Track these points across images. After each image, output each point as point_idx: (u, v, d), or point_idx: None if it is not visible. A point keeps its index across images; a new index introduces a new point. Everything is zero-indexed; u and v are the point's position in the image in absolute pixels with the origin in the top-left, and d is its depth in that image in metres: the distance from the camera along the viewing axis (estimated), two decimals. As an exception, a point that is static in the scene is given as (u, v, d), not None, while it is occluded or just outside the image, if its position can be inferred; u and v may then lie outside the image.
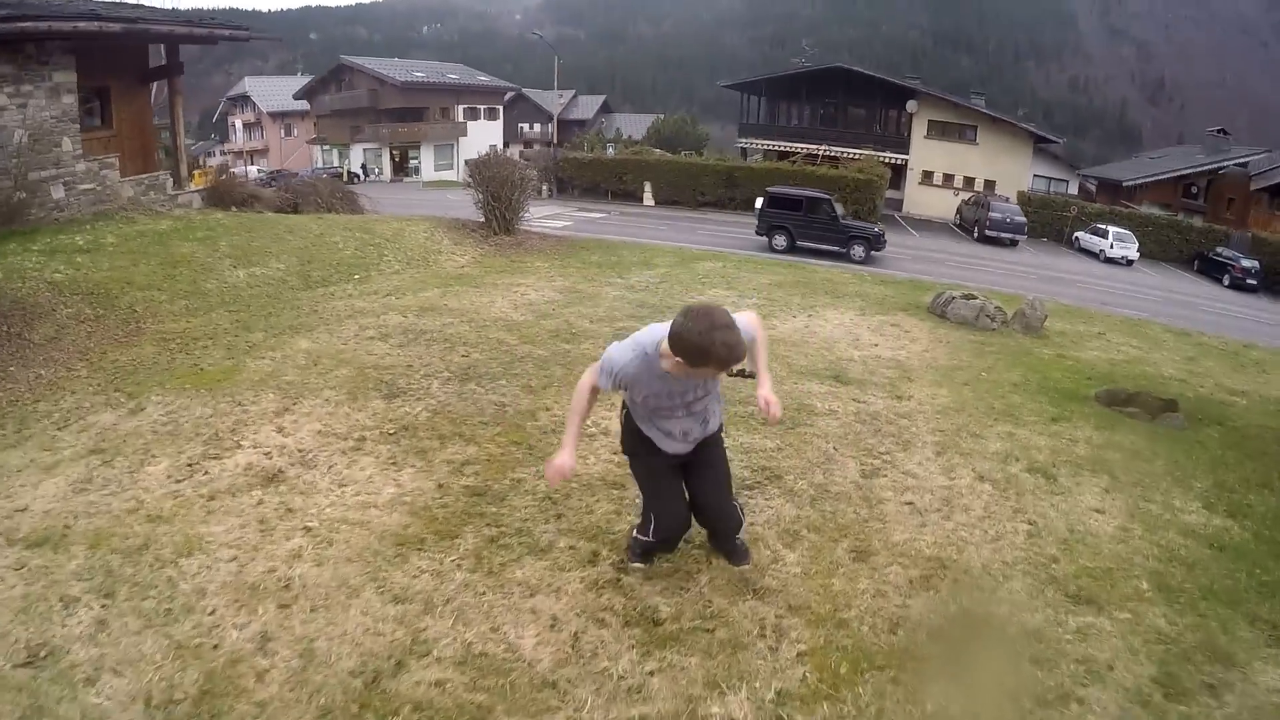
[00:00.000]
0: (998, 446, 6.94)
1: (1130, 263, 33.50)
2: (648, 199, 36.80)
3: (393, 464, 5.76)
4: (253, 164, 63.43)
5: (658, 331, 3.55)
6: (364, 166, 60.61)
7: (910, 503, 5.60)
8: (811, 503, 5.47)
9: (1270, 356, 15.68)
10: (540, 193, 40.14)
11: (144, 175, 16.68)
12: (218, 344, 8.68)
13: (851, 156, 37.68)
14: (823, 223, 24.98)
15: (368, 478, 5.55)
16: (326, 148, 63.67)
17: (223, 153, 76.77)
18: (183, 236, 13.21)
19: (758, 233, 25.67)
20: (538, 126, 78.37)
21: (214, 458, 5.73)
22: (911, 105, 41.45)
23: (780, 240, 24.98)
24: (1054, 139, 45.03)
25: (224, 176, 22.23)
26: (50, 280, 9.96)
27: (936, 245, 31.61)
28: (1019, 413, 8.24)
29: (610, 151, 45.04)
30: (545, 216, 27.14)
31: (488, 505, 5.16)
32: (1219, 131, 46.54)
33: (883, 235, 25.49)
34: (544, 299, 11.86)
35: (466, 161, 23.83)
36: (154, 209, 15.45)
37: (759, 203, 26.15)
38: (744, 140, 46.91)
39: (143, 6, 17.07)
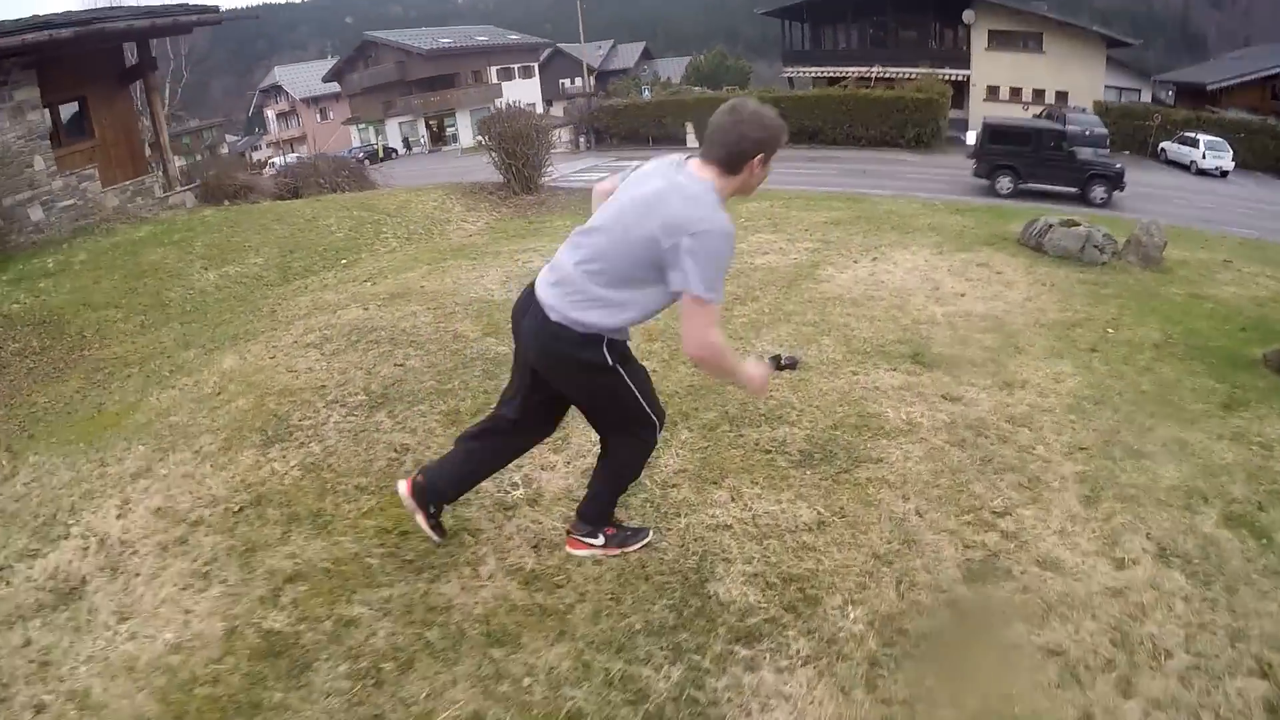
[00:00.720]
0: (1172, 475, 4.58)
1: (1225, 174, 30.37)
2: (691, 140, 34.32)
3: (203, 576, 3.73)
4: (293, 152, 62.52)
5: (694, 184, 2.69)
6: (405, 140, 59.56)
7: (1059, 652, 3.11)
8: (868, 682, 2.93)
9: None
10: (578, 145, 38.22)
11: (129, 182, 16.14)
12: (143, 371, 7.43)
13: (908, 77, 34.47)
14: (1056, 159, 21.50)
15: (160, 602, 3.57)
16: (362, 126, 62.88)
17: (266, 145, 76.56)
18: (158, 242, 12.51)
19: (976, 174, 22.39)
20: (579, 81, 75.96)
21: (31, 555, 4.10)
22: (968, 15, 37.72)
23: (1005, 182, 21.67)
24: (1128, 41, 41.02)
25: (212, 171, 20.79)
26: (5, 313, 9.41)
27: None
28: (1178, 397, 5.90)
29: (646, 94, 42.09)
30: (581, 170, 26.00)
31: (272, 689, 2.99)
32: None
33: (1124, 172, 21.88)
34: (548, 266, 9.76)
35: (479, 120, 21.99)
36: (141, 215, 15.17)
37: (971, 138, 23.35)
38: (789, 69, 43.72)
39: (100, 7, 17.04)
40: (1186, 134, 31.99)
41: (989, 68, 38.40)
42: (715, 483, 4.25)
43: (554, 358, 2.85)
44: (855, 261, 10.04)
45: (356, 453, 4.86)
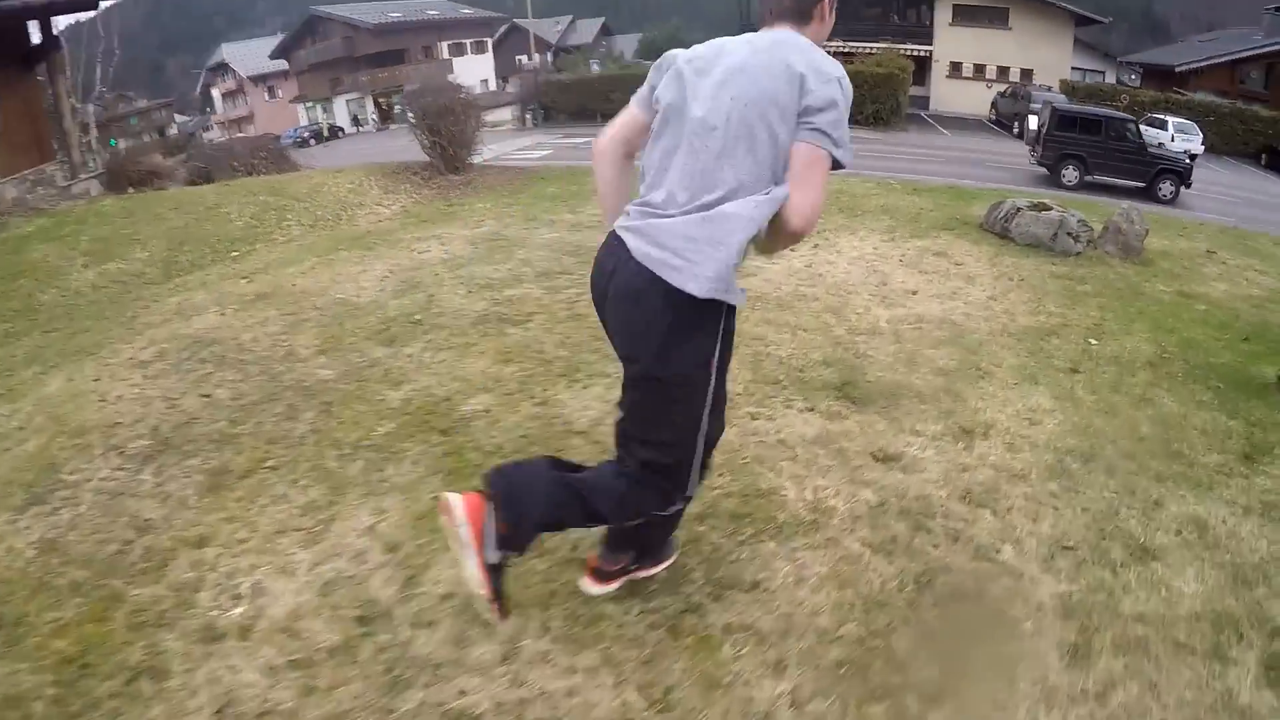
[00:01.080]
0: (1192, 589, 3.10)
1: (1194, 157, 28.99)
2: None
3: None
4: (239, 132, 60.04)
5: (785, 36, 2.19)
6: (354, 119, 57.51)
7: None
8: None
9: None
10: (524, 122, 36.43)
11: (29, 171, 14.86)
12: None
13: (868, 51, 32.76)
14: (1126, 150, 19.76)
15: None
16: (309, 105, 60.28)
17: (215, 126, 73.59)
18: (46, 237, 11.50)
19: (1039, 162, 20.42)
20: (537, 58, 73.81)
21: None
22: None
23: (1072, 173, 19.76)
24: (1097, 18, 39.71)
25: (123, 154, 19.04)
26: None
27: (973, 144, 27.04)
28: (1187, 444, 4.46)
29: (596, 69, 40.11)
30: (525, 147, 24.93)
31: None
32: (1278, 9, 40.81)
33: (1193, 167, 20.36)
34: (445, 256, 8.50)
35: (403, 95, 20.57)
36: (40, 206, 13.97)
37: (1033, 123, 20.81)
38: None
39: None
40: (1155, 115, 30.82)
41: (953, 44, 36.90)
42: (486, 634, 2.68)
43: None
44: (792, 250, 8.50)
45: (98, 528, 3.43)
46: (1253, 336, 6.98)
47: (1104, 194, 18.12)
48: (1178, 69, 37.85)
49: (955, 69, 37.66)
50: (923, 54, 36.55)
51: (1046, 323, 6.48)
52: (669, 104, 2.17)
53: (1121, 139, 19.73)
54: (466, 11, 64.66)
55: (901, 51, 32.44)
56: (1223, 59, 38.03)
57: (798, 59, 2.05)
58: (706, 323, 2.09)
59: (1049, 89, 31.79)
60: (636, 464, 2.25)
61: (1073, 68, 37.79)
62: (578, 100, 34.73)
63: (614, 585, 2.64)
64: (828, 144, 2.03)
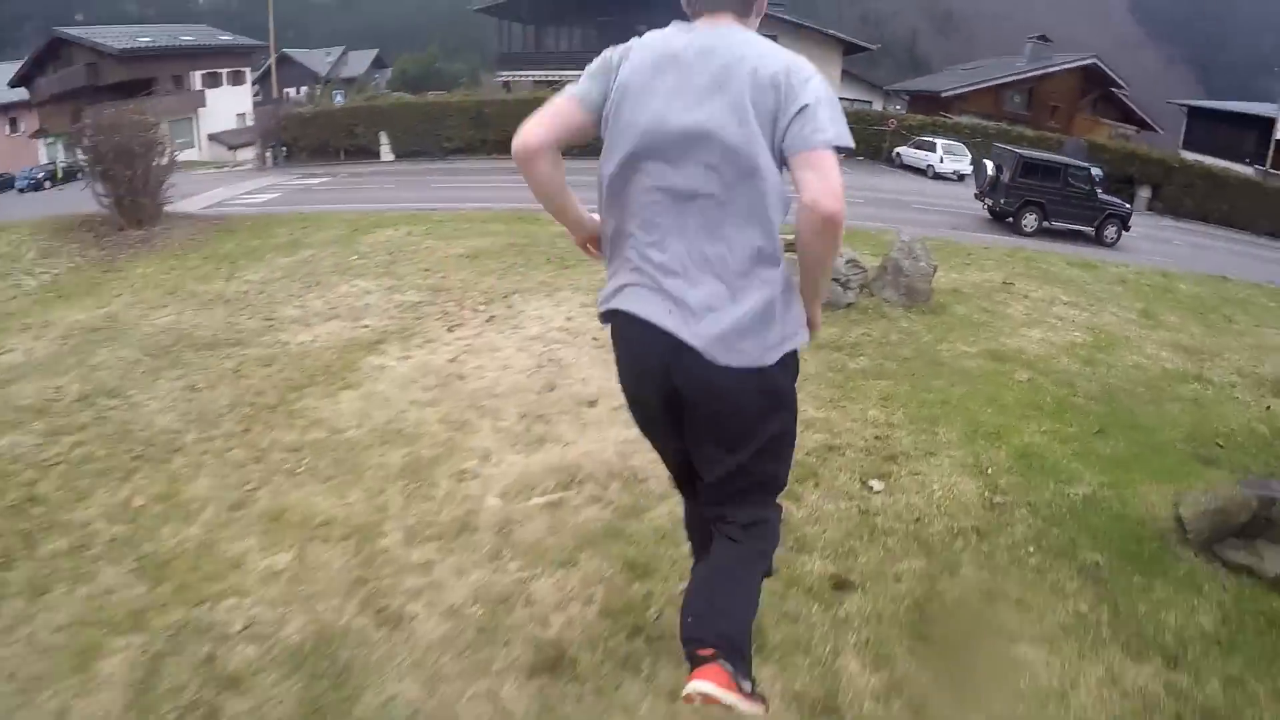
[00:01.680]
0: None
1: (963, 177, 29.21)
2: (385, 153, 29.24)
3: None
4: None
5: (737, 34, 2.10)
6: (94, 158, 49.92)
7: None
8: None
9: (1220, 289, 12.54)
10: (264, 161, 32.06)
11: None
12: None
13: None
14: (1079, 197, 19.32)
15: None
16: (50, 140, 52.04)
17: None
18: None
19: (997, 210, 19.38)
20: (305, 89, 68.23)
21: None
22: None
23: (1032, 220, 19.02)
24: (866, 45, 39.74)
25: None
26: None
27: None
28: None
29: (339, 100, 35.90)
30: (254, 190, 21.43)
31: None
32: (1039, 38, 42.85)
33: (1132, 212, 20.47)
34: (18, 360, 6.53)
35: (76, 127, 16.70)
36: None
37: (990, 168, 19.81)
38: (505, 73, 38.93)
39: None
40: (923, 138, 30.62)
41: None
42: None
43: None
44: (456, 327, 5.88)
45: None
46: (1106, 425, 4.65)
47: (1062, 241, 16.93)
48: (944, 94, 38.46)
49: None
50: (685, 83, 35.22)
51: (799, 448, 3.81)
52: (632, 131, 2.02)
53: (1075, 186, 19.50)
54: (225, 38, 58.44)
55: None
56: (987, 84, 39.19)
57: (765, 62, 1.98)
58: (788, 372, 2.06)
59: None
60: (754, 511, 2.18)
61: (841, 98, 37.42)
62: (320, 135, 30.72)
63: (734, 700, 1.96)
64: (829, 138, 1.89)
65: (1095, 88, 40.72)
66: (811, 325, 2.13)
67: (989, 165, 19.93)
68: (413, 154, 28.33)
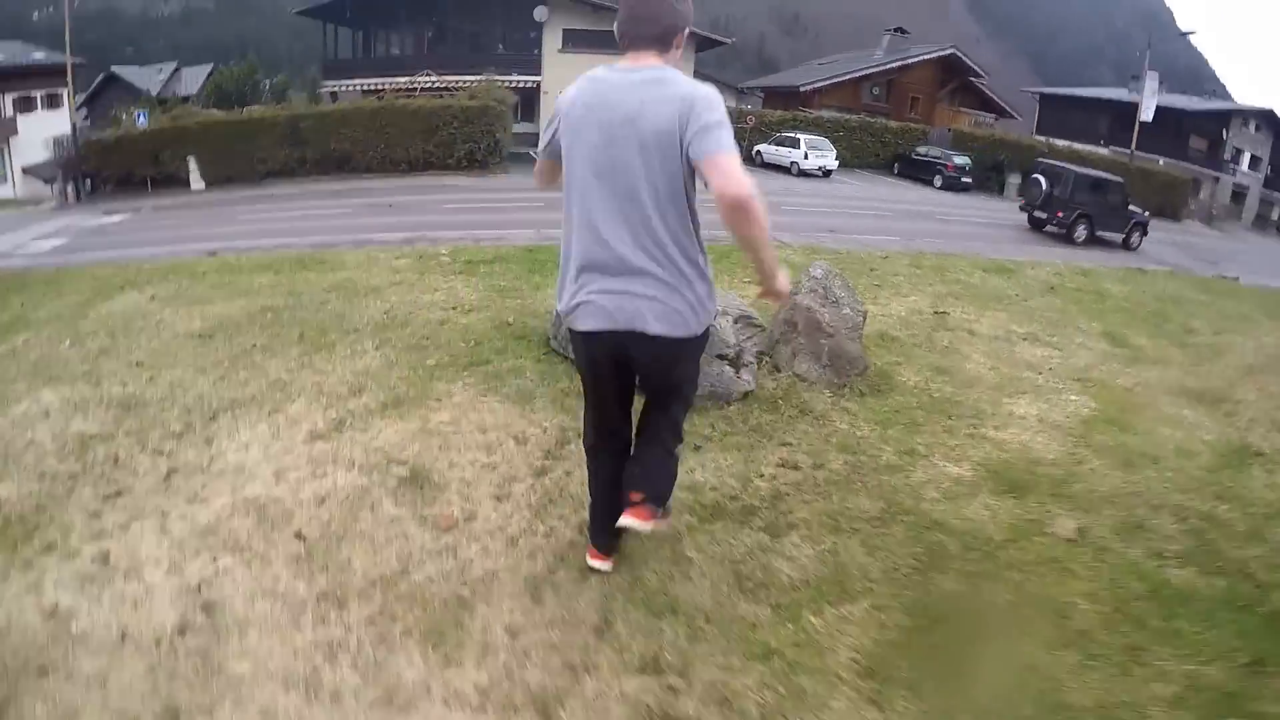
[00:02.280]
0: None
1: (828, 173, 27.84)
2: (195, 180, 25.02)
3: None
4: None
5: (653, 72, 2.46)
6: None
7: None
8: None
9: (1145, 285, 11.39)
10: (66, 197, 27.37)
11: None
12: None
13: (464, 84, 27.35)
14: (1116, 208, 20.77)
15: None
16: None
17: None
18: None
19: (1055, 223, 20.00)
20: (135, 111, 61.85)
21: None
22: (540, 12, 31.66)
23: (1082, 231, 20.06)
24: (721, 39, 37.65)
25: None
26: None
27: None
28: None
29: (142, 121, 30.91)
30: (38, 236, 17.23)
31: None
32: (897, 30, 42.35)
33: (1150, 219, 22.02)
34: None
35: None
36: None
37: (1044, 183, 20.44)
38: (331, 83, 35.43)
39: None
40: (785, 134, 28.87)
41: (563, 72, 32.35)
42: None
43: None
44: (114, 497, 3.03)
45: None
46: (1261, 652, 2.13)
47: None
48: (802, 89, 37.12)
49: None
50: (530, 85, 32.04)
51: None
52: (577, 158, 2.47)
53: (1114, 199, 20.77)
54: (39, 56, 51.75)
55: (508, 83, 27.54)
56: (845, 77, 38.03)
57: (678, 91, 2.35)
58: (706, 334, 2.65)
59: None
60: (669, 419, 2.77)
61: None
62: (123, 164, 26.23)
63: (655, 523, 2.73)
64: (726, 146, 2.25)
65: (954, 78, 40.18)
66: (777, 295, 2.69)
67: (1042, 181, 20.47)
68: (225, 180, 24.18)
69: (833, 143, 28.59)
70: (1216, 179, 41.51)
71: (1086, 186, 20.40)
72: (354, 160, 22.97)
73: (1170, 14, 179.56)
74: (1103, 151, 35.04)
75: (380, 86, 29.92)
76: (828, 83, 37.39)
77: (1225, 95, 51.22)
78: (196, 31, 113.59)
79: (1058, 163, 22.96)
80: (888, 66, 38.44)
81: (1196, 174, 38.95)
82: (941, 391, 4.77)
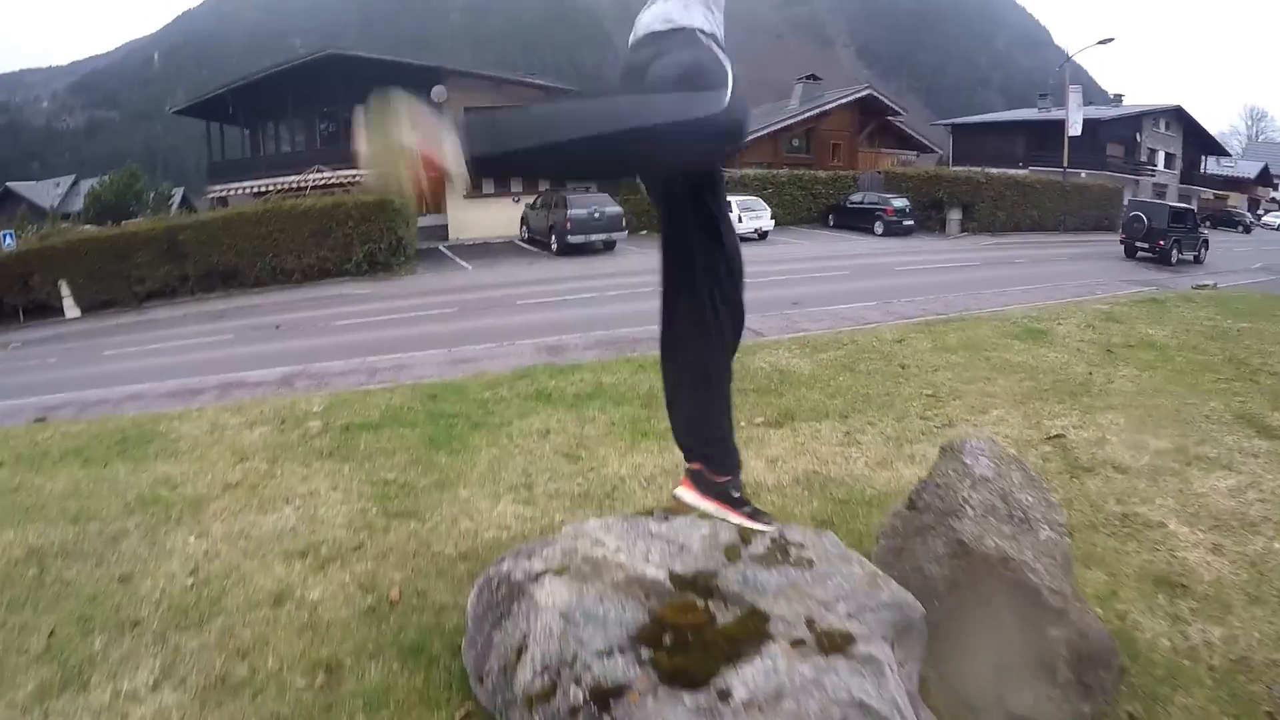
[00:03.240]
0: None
1: (764, 235, 26.27)
2: (70, 307, 21.71)
3: None
4: None
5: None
6: None
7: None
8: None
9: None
10: None
11: None
12: None
13: (361, 178, 24.73)
14: (1193, 232, 25.17)
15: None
16: None
17: None
18: None
19: (1150, 253, 23.79)
20: (33, 227, 58.02)
21: None
22: (438, 92, 29.00)
23: (1176, 254, 24.03)
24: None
25: None
26: None
27: (495, 277, 19.39)
28: None
29: (8, 244, 26.92)
30: None
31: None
32: (809, 77, 41.28)
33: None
34: None
35: None
36: None
37: (1145, 218, 24.18)
38: (218, 187, 31.91)
39: None
40: (715, 199, 26.80)
41: None
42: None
43: None
44: None
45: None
46: None
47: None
48: None
49: (475, 186, 30.72)
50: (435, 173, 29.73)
51: None
52: None
53: (1191, 225, 25.09)
54: None
55: (407, 174, 25.31)
56: (764, 131, 36.28)
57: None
58: None
59: (587, 189, 26.55)
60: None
61: None
62: None
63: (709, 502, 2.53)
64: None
65: (872, 118, 39.29)
66: None
67: (1144, 217, 24.12)
68: (102, 305, 21.04)
69: (765, 200, 27.09)
70: (1137, 182, 41.12)
71: (1174, 218, 24.29)
72: (241, 273, 20.15)
73: (1046, 32, 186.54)
74: (1022, 173, 34.33)
75: (273, 187, 27.34)
76: (748, 139, 35.56)
77: (1117, 102, 51.56)
78: (101, 144, 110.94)
79: (1149, 200, 28.65)
80: (806, 115, 37.14)
81: (1120, 181, 38.96)
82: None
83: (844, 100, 38.06)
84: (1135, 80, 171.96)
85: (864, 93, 38.52)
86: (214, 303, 18.46)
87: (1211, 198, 56.39)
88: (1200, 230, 25.51)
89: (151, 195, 47.03)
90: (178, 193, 54.17)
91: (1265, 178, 66.01)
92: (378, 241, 19.81)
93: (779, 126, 36.74)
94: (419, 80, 29.51)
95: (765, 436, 5.06)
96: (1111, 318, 10.33)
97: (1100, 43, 33.20)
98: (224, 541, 3.82)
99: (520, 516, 3.88)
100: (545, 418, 5.62)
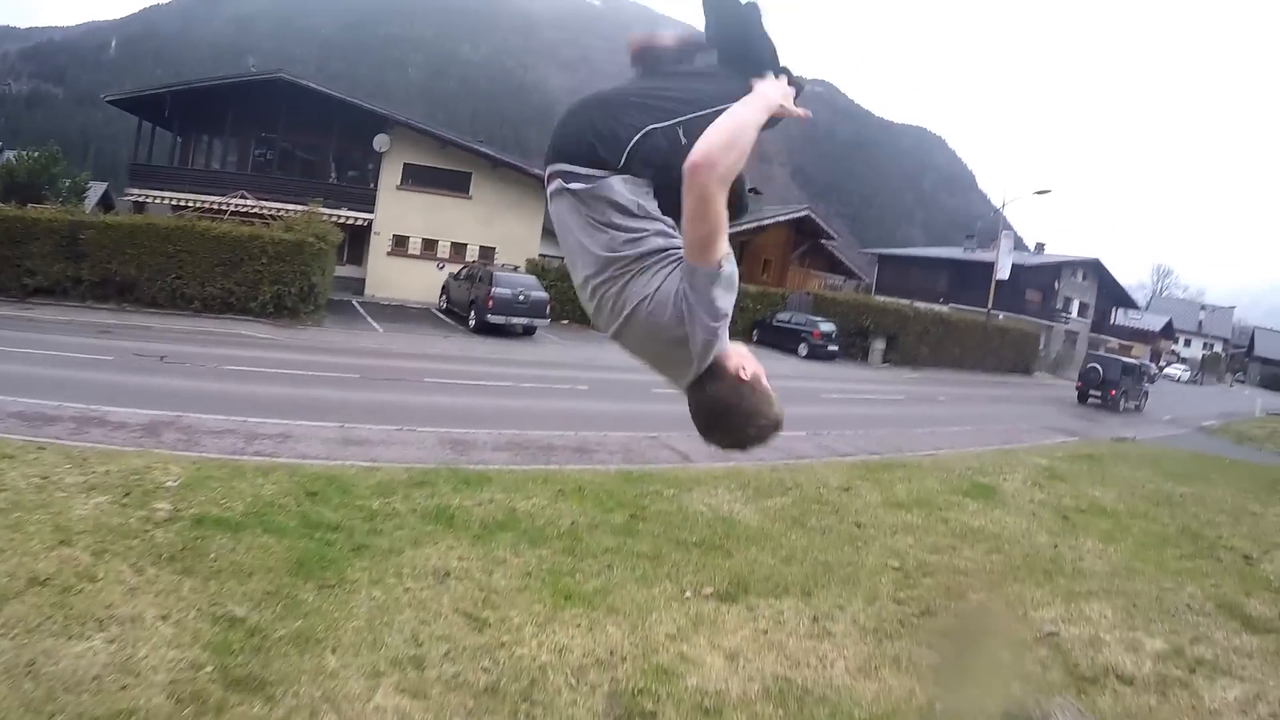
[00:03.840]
0: None
1: None
2: None
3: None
4: None
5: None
6: None
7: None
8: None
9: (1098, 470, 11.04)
10: None
11: None
12: None
13: (284, 213, 22.96)
14: (1137, 383, 27.87)
15: None
16: None
17: None
18: None
19: (1105, 400, 26.45)
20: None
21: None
22: (381, 141, 28.16)
23: (1123, 403, 26.71)
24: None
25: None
26: None
27: (406, 345, 17.88)
28: None
29: None
30: None
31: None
32: (752, 190, 40.50)
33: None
34: None
35: None
36: None
37: (1100, 369, 27.26)
38: (137, 191, 28.86)
39: None
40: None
41: (399, 210, 28.51)
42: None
43: None
44: None
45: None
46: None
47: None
48: None
49: (400, 244, 29.63)
50: (362, 223, 28.28)
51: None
52: None
53: (1139, 378, 28.03)
54: None
55: (336, 219, 23.75)
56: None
57: None
58: None
59: (515, 268, 25.47)
60: None
61: (541, 254, 31.73)
62: None
63: None
64: None
65: (806, 239, 39.59)
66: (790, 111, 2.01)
67: (1098, 368, 27.19)
68: None
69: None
70: (1050, 328, 42.20)
71: (1125, 371, 27.00)
72: (139, 289, 18.24)
73: (972, 176, 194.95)
74: (946, 310, 34.91)
75: (193, 204, 25.52)
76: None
77: (1039, 250, 53.66)
78: (39, 119, 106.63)
79: (1106, 354, 30.96)
80: (744, 227, 36.62)
81: (1038, 326, 40.39)
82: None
83: (782, 218, 38.16)
84: (1051, 231, 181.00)
85: (802, 213, 38.68)
86: (104, 315, 16.36)
87: (1117, 347, 59.39)
88: (1144, 384, 28.25)
89: (67, 184, 43.41)
90: (98, 187, 50.44)
91: (1168, 331, 70.74)
92: (289, 284, 18.18)
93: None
94: (364, 125, 28.77)
95: (719, 616, 4.21)
96: (1054, 474, 10.04)
97: (1037, 193, 34.18)
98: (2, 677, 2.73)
99: (405, 717, 2.91)
100: (445, 550, 4.62)
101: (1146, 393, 28.28)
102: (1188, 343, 77.16)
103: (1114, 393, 26.10)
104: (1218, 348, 77.16)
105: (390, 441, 8.09)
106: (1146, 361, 31.87)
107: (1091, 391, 26.58)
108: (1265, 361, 72.57)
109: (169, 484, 5.05)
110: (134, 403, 8.60)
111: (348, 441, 7.79)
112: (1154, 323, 68.32)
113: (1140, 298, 70.34)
